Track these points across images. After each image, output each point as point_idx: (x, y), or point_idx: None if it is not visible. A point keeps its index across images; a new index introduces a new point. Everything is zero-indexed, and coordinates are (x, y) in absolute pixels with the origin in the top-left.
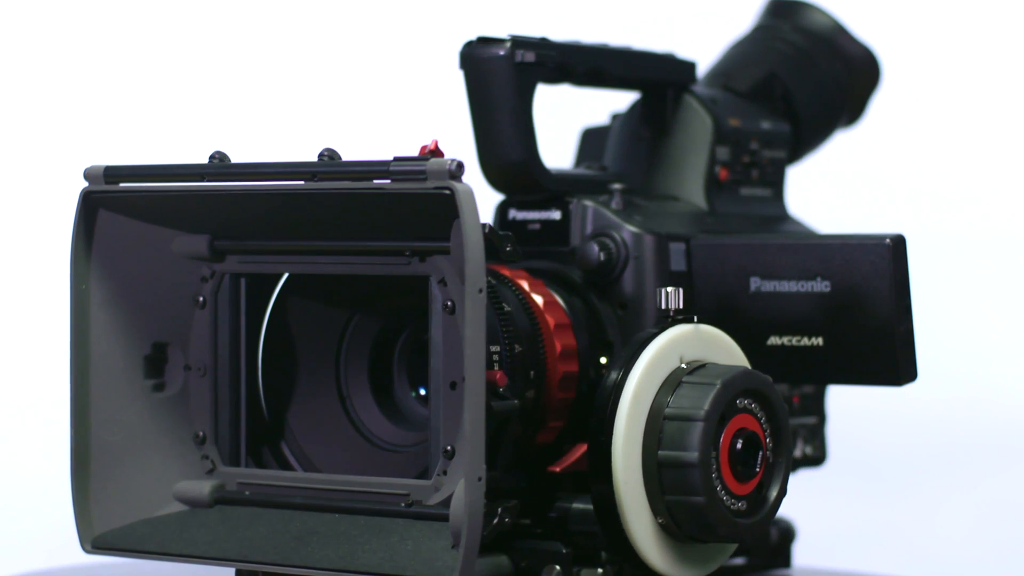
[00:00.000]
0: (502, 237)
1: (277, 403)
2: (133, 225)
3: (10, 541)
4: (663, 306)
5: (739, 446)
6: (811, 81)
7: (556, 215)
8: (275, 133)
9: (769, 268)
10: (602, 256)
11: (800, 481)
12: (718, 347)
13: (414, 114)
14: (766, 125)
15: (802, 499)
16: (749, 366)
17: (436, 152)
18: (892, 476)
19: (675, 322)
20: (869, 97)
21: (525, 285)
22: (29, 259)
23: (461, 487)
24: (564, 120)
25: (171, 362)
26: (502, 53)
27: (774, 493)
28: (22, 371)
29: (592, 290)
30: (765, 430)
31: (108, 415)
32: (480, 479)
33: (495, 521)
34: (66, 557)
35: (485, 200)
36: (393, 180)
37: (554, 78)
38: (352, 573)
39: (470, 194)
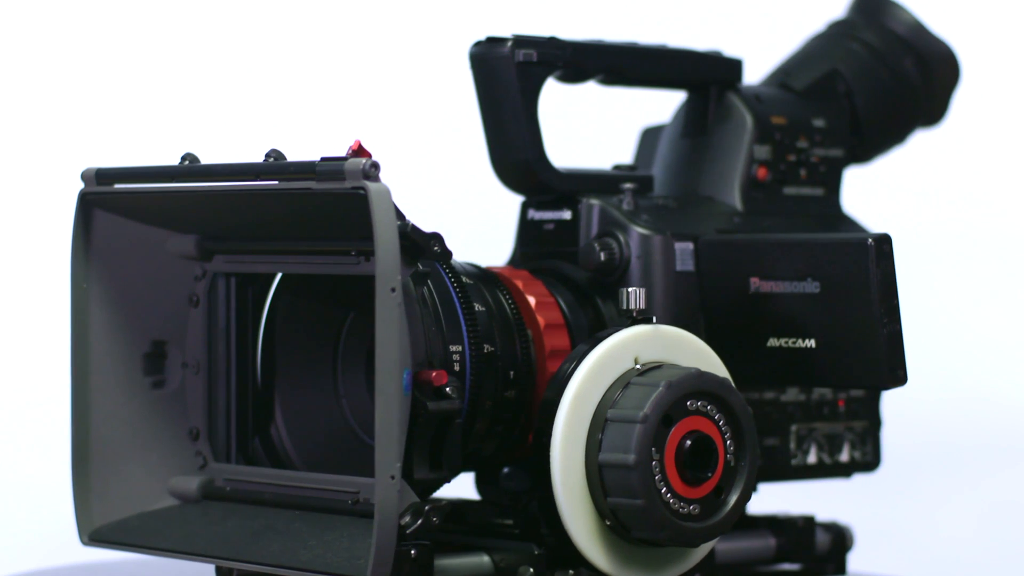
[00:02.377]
0: (427, 236)
1: (272, 400)
2: (130, 225)
3: (6, 541)
4: (624, 306)
5: (687, 449)
6: (876, 79)
7: (567, 215)
8: (296, 135)
9: (766, 268)
10: (603, 256)
11: (837, 486)
12: (682, 348)
13: (442, 115)
14: (819, 123)
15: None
16: (723, 368)
17: (360, 152)
18: (892, 476)
19: (634, 322)
20: (949, 96)
21: (520, 284)
22: (25, 260)
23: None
24: (635, 120)
25: (170, 359)
26: (503, 53)
27: (734, 497)
28: (18, 371)
29: (597, 290)
30: (724, 433)
31: (108, 411)
32: (393, 477)
33: (420, 521)
34: (61, 557)
35: (507, 201)
36: (318, 180)
37: (570, 77)
38: (285, 568)
39: (383, 193)
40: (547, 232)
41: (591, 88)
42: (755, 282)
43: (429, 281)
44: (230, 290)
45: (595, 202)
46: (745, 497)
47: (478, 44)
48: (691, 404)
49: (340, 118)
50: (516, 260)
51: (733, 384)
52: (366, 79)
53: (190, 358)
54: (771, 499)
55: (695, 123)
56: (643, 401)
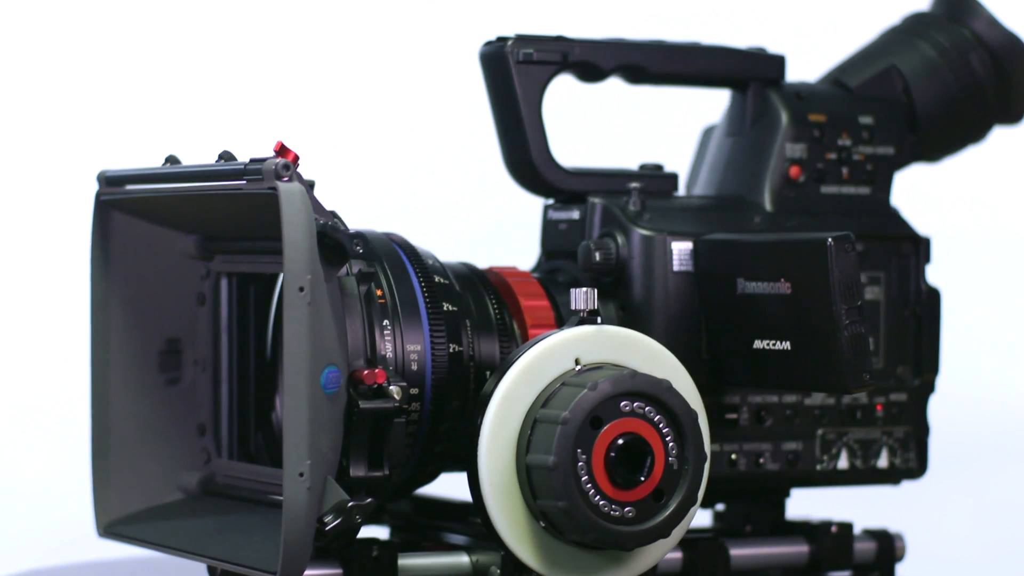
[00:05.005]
0: (350, 236)
1: (274, 397)
2: (143, 226)
3: (7, 540)
4: (573, 306)
5: (618, 451)
6: (937, 76)
7: (576, 215)
8: (336, 137)
9: (749, 268)
10: (598, 256)
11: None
12: (632, 349)
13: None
14: (866, 120)
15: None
16: (680, 370)
17: (283, 152)
18: (936, 480)
19: (581, 322)
20: None
21: (513, 284)
22: (34, 260)
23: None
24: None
25: (184, 356)
26: (504, 51)
27: (676, 501)
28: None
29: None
30: (665, 435)
31: (125, 408)
32: (302, 475)
33: (339, 520)
34: (61, 555)
35: (526, 201)
36: (246, 182)
37: (585, 76)
38: (226, 563)
39: (294, 193)
40: (561, 232)
41: (654, 89)
42: (741, 282)
43: (391, 280)
44: (232, 289)
45: (598, 201)
46: (689, 501)
47: (488, 44)
48: (625, 405)
49: (386, 119)
50: (541, 260)
51: (673, 385)
52: (401, 79)
53: (199, 355)
54: (812, 505)
55: (736, 121)
56: (568, 402)
